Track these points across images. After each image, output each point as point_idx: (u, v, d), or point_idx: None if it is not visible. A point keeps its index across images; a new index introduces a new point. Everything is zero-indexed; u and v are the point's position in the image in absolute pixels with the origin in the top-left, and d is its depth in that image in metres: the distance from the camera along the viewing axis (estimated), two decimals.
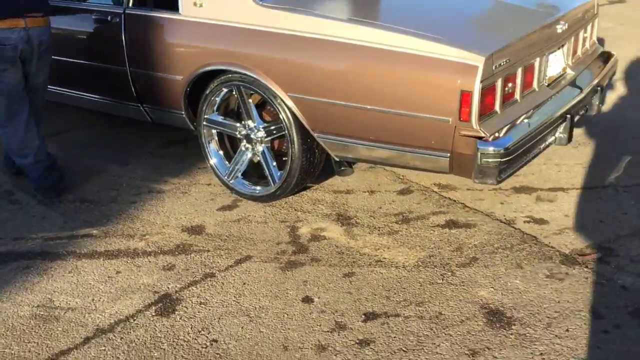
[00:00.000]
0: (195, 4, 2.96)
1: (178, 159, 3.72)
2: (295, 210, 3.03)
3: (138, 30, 3.17)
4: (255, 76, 2.79)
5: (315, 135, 2.78)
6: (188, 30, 3.00)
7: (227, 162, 3.21)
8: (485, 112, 2.35)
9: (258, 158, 3.07)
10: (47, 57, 3.20)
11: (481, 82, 2.25)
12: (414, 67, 2.38)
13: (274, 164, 3.03)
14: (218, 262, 2.60)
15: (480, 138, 2.30)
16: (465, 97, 2.26)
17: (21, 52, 3.03)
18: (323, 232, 2.81)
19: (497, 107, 2.41)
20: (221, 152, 3.22)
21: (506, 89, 2.45)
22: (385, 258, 2.55)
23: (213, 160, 3.20)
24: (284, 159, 2.95)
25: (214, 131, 3.19)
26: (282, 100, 2.78)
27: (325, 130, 2.74)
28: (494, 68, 2.30)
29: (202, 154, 3.62)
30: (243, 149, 3.10)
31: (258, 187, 3.08)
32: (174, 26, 3.05)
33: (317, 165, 3.01)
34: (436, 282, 2.36)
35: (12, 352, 2.10)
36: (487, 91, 2.32)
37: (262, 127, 3.00)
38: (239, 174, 3.16)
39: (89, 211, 3.12)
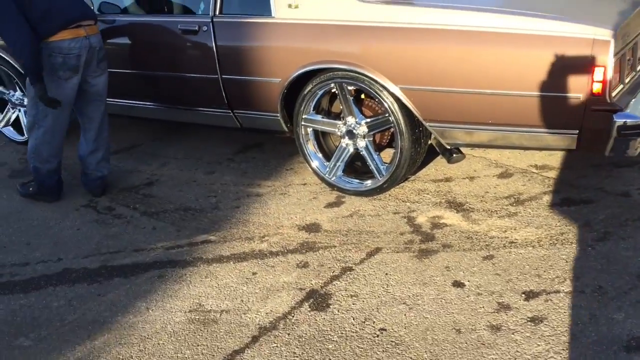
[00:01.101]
0: (290, 6, 3.00)
1: (261, 163, 3.75)
2: (403, 201, 3.07)
3: (228, 36, 3.20)
4: (362, 71, 2.83)
5: (427, 124, 2.82)
6: (284, 33, 3.03)
7: (325, 161, 3.25)
8: (615, 85, 2.39)
9: (362, 152, 3.10)
10: (105, 64, 3.32)
11: (614, 55, 2.29)
12: (539, 47, 2.42)
13: (378, 157, 3.07)
14: (350, 256, 2.63)
15: (614, 111, 2.34)
16: (598, 71, 2.30)
17: (85, 61, 3.17)
18: (441, 219, 2.84)
19: (623, 80, 2.45)
20: (320, 154, 3.25)
21: (627, 62, 2.49)
22: (516, 239, 2.59)
23: (315, 163, 3.23)
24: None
25: (310, 130, 3.22)
26: (390, 92, 2.81)
27: (439, 119, 2.78)
28: (623, 41, 2.34)
29: (282, 156, 3.70)
30: (344, 145, 3.14)
31: (364, 182, 3.11)
32: (267, 29, 3.08)
33: (421, 155, 3.06)
34: (581, 257, 2.40)
35: (185, 356, 2.13)
36: (616, 65, 2.36)
37: (365, 122, 3.03)
38: (340, 171, 3.19)
39: (197, 219, 3.15)
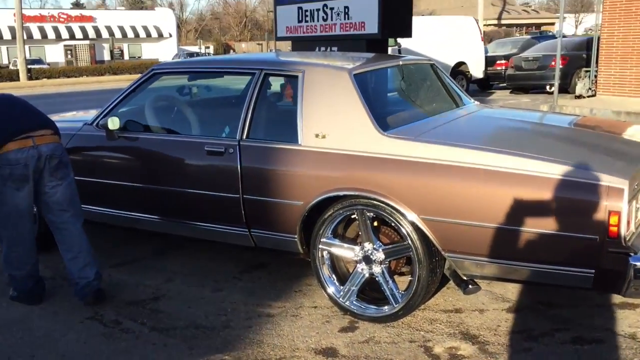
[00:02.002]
0: (317, 136, 3.20)
1: (268, 284, 3.78)
2: (416, 330, 3.10)
3: (254, 159, 3.36)
4: (384, 200, 2.98)
5: (446, 255, 2.93)
6: (310, 160, 3.21)
7: (338, 284, 3.30)
8: (628, 229, 2.57)
9: (378, 278, 3.17)
10: (62, 173, 3.37)
11: (628, 202, 2.49)
12: (557, 190, 2.62)
13: (394, 283, 3.14)
14: None
15: (630, 254, 2.49)
16: (613, 216, 2.48)
17: (33, 170, 3.25)
18: (458, 351, 2.87)
19: (632, 226, 2.64)
20: (334, 276, 3.31)
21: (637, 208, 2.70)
22: None
23: (330, 289, 3.28)
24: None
25: (325, 254, 3.30)
26: (410, 222, 2.95)
27: (458, 250, 2.90)
28: (633, 189, 2.56)
29: (289, 277, 3.75)
30: (359, 270, 3.21)
31: (379, 308, 3.16)
32: (293, 156, 3.25)
33: (436, 284, 3.14)
34: None
35: None
36: (629, 210, 2.55)
37: (382, 249, 3.14)
38: (354, 296, 3.24)
39: (209, 337, 3.11)
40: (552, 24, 55.18)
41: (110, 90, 22.52)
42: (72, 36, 46.31)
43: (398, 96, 3.77)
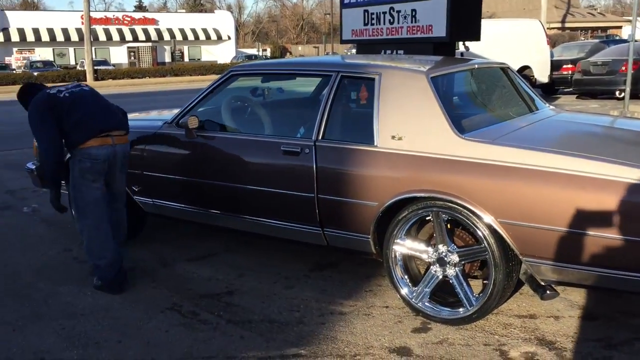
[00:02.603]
0: (393, 137, 3.24)
1: (338, 282, 3.83)
2: (490, 333, 3.09)
3: (330, 160, 3.42)
4: (462, 203, 2.98)
5: (523, 259, 2.92)
6: (386, 161, 3.24)
7: (411, 285, 3.32)
8: None
9: (452, 281, 3.18)
10: (125, 169, 3.81)
11: None
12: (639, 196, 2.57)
13: (468, 286, 3.14)
14: None
15: None
16: None
17: (108, 165, 3.61)
18: (535, 356, 2.85)
19: None
20: (406, 277, 3.33)
21: None
22: None
23: (404, 291, 3.30)
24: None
25: (398, 255, 3.33)
26: (487, 225, 2.95)
27: (537, 255, 2.88)
28: None
29: (359, 277, 3.80)
30: (433, 272, 3.23)
31: (453, 310, 3.16)
32: (369, 157, 3.30)
33: (511, 288, 3.12)
34: None
35: None
36: None
37: (457, 251, 3.14)
38: (427, 297, 3.26)
39: (284, 332, 3.19)
40: (619, 27, 53.31)
41: (171, 91, 23.20)
42: (135, 38, 47.85)
43: (473, 99, 3.77)
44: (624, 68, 12.61)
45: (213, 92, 4.02)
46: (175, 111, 5.19)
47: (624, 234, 2.62)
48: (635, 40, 11.70)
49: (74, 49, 46.06)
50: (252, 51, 57.20)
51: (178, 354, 2.99)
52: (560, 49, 16.73)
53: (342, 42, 7.73)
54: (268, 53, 59.17)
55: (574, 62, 14.61)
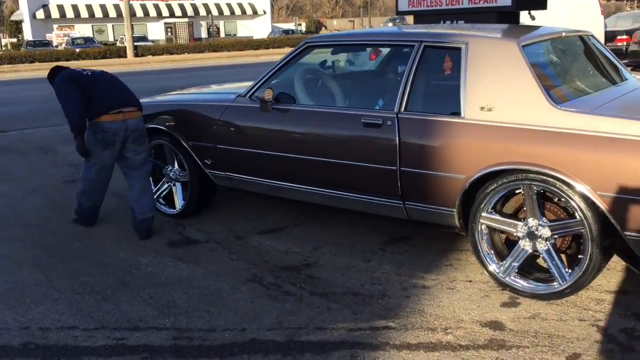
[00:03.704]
0: (483, 108, 3.15)
1: (415, 256, 3.80)
2: (584, 309, 3.03)
3: (413, 132, 3.36)
4: (558, 176, 2.90)
5: (625, 234, 2.83)
6: (474, 133, 3.17)
7: (497, 259, 3.27)
8: None
9: (543, 255, 3.11)
10: (141, 141, 4.20)
11: None
12: None
13: (561, 261, 3.07)
14: (548, 359, 2.58)
15: None
16: None
17: (121, 138, 4.08)
18: (635, 332, 2.78)
19: None
20: (493, 253, 3.28)
21: None
22: None
23: (491, 265, 3.25)
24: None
25: (484, 228, 3.27)
26: (584, 199, 2.86)
27: (638, 229, 2.79)
28: None
29: (435, 251, 3.77)
30: (522, 246, 3.16)
31: (546, 284, 3.10)
32: (456, 128, 3.22)
33: (606, 264, 3.04)
34: None
35: None
36: None
37: (549, 226, 3.07)
38: (515, 271, 3.20)
39: (369, 304, 3.18)
40: None
41: (211, 67, 23.26)
42: (172, 14, 47.95)
43: (563, 69, 3.64)
44: None
45: (287, 64, 3.98)
46: (237, 84, 5.20)
47: None
48: None
49: (112, 25, 46.46)
50: (289, 26, 56.85)
51: (267, 324, 3.01)
52: (614, 19, 16.15)
53: (398, 13, 7.58)
54: (303, 28, 58.76)
55: (628, 32, 14.08)
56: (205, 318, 3.08)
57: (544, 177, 2.97)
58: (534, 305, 3.09)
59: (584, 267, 2.95)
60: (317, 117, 3.75)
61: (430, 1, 6.96)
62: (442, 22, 6.78)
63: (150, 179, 4.43)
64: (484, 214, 3.23)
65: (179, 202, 4.61)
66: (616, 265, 3.44)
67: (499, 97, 3.13)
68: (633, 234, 2.82)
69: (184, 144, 4.36)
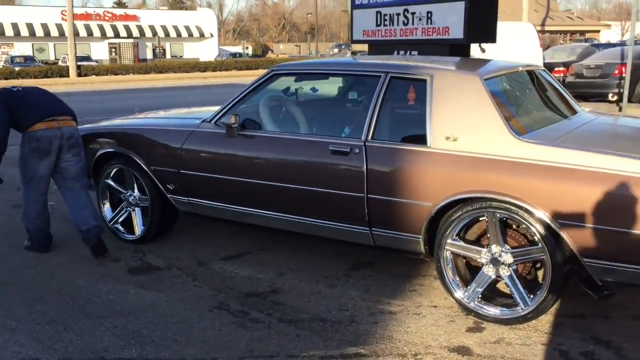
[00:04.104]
0: (448, 139, 3.27)
1: (380, 282, 3.85)
2: (545, 333, 3.15)
3: (381, 160, 3.44)
4: (521, 204, 3.03)
5: (583, 259, 2.97)
6: (440, 161, 3.27)
7: (462, 285, 3.36)
8: None
9: (505, 281, 3.22)
10: (76, 151, 4.25)
11: None
12: None
13: (522, 286, 3.19)
14: None
15: None
16: None
17: (56, 146, 4.12)
18: (595, 355, 2.90)
19: None
20: (458, 279, 3.37)
21: None
22: None
23: (456, 291, 3.33)
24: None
25: (449, 255, 3.36)
26: (545, 226, 2.99)
27: (596, 255, 2.93)
28: None
29: (399, 276, 3.84)
30: (486, 272, 3.27)
31: (509, 309, 3.20)
32: (422, 157, 3.32)
33: (565, 288, 3.17)
34: None
35: None
36: None
37: (512, 252, 3.18)
38: (478, 297, 3.29)
39: (339, 331, 3.20)
40: (597, 31, 54.31)
41: (158, 88, 22.98)
42: (117, 34, 47.28)
43: (521, 101, 3.82)
44: (616, 71, 12.86)
45: (254, 91, 4.01)
46: (198, 109, 5.19)
47: None
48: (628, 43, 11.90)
49: (54, 44, 45.40)
50: (237, 49, 56.94)
51: (238, 352, 2.98)
52: (552, 51, 16.98)
53: (353, 42, 7.73)
54: (250, 51, 58.98)
55: (565, 65, 14.84)
56: (174, 348, 3.02)
57: (507, 205, 3.09)
58: (498, 330, 3.19)
59: (545, 292, 3.07)
60: (285, 143, 3.79)
61: (384, 31, 7.15)
62: (395, 52, 6.98)
63: (89, 193, 4.42)
64: (449, 241, 3.32)
65: (138, 228, 4.52)
66: (573, 290, 3.58)
67: (464, 128, 3.25)
68: (591, 260, 2.95)
69: (146, 168, 4.29)
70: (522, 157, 3.07)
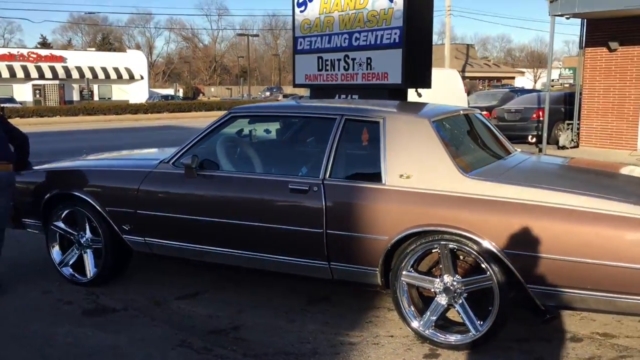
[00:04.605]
0: (401, 176, 3.51)
1: (337, 315, 3.99)
2: (496, 357, 3.37)
3: (339, 197, 3.63)
4: (470, 236, 3.28)
5: (527, 286, 3.23)
6: (395, 198, 3.49)
7: (417, 314, 3.55)
8: None
9: (457, 309, 3.44)
10: (4, 193, 4.35)
11: None
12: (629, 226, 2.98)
13: (473, 313, 3.42)
14: None
15: None
16: None
17: None
18: None
19: None
20: (413, 309, 3.56)
21: None
22: None
23: (412, 320, 3.52)
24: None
25: (404, 286, 3.56)
26: (493, 256, 3.26)
27: (538, 281, 3.20)
28: None
29: (355, 309, 4.00)
30: (439, 300, 3.48)
31: (461, 335, 3.41)
32: (378, 194, 3.54)
33: (511, 314, 3.43)
34: None
35: None
36: None
37: (462, 281, 3.42)
38: (432, 325, 3.50)
39: None
40: (512, 77, 57.64)
41: (86, 130, 22.45)
42: (42, 76, 46.01)
43: (463, 142, 4.12)
44: (534, 115, 13.78)
45: (212, 132, 4.14)
46: (146, 151, 5.24)
47: (615, 260, 3.00)
48: (537, 90, 12.78)
49: None
50: (168, 91, 56.53)
51: None
52: (475, 97, 18.00)
53: (295, 85, 8.01)
54: (181, 94, 58.72)
55: (488, 109, 15.75)
56: None
57: (457, 238, 3.33)
58: (452, 355, 3.38)
59: (494, 317, 3.31)
60: (245, 183, 3.92)
61: (326, 76, 7.47)
62: (337, 96, 7.29)
63: None
64: (404, 272, 3.52)
65: (90, 270, 4.48)
66: (517, 316, 3.84)
67: (416, 167, 3.50)
68: (534, 286, 3.23)
69: (100, 209, 4.30)
70: (469, 192, 3.34)
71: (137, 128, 23.29)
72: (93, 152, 5.65)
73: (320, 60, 7.48)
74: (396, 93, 6.81)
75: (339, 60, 7.31)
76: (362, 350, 3.46)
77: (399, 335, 3.65)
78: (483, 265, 3.32)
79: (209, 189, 3.99)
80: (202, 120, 27.85)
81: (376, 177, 3.58)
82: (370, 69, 6.99)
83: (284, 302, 4.20)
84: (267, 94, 55.33)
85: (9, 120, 4.78)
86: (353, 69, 7.20)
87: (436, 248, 3.44)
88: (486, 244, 3.24)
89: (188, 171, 3.97)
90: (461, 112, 4.19)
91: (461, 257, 3.49)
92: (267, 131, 4.66)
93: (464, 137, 4.17)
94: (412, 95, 7.22)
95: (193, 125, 23.60)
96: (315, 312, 4.05)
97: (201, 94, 65.80)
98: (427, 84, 7.02)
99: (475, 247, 3.29)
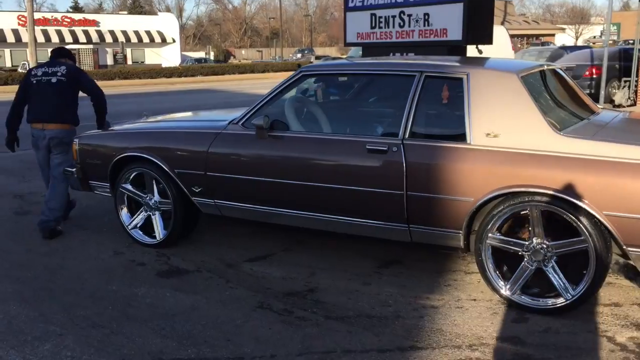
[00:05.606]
0: (488, 135, 3.35)
1: (413, 278, 3.90)
2: (587, 321, 3.24)
3: (420, 157, 3.50)
4: (566, 197, 3.12)
5: (627, 249, 3.08)
6: (481, 158, 3.34)
7: (503, 278, 3.44)
8: None
9: (548, 273, 3.31)
10: (59, 149, 4.87)
11: None
12: None
13: (565, 277, 3.29)
14: None
15: None
16: None
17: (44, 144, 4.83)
18: None
19: None
20: (498, 273, 3.44)
21: None
22: None
23: (497, 283, 3.41)
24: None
25: (489, 249, 3.44)
26: (590, 218, 3.10)
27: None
28: None
29: (430, 272, 3.93)
30: (527, 264, 3.36)
31: (552, 300, 3.29)
32: (463, 154, 3.39)
33: (605, 278, 3.29)
34: None
35: None
36: None
37: (553, 244, 3.28)
38: (520, 289, 3.38)
39: (387, 325, 3.24)
40: (553, 35, 55.91)
41: (123, 94, 22.57)
42: (76, 40, 46.23)
43: (552, 99, 3.93)
44: (587, 73, 13.30)
45: (282, 92, 4.02)
46: (209, 112, 5.16)
47: None
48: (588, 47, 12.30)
49: (10, 50, 44.11)
50: (200, 54, 56.45)
51: (295, 349, 2.99)
52: (521, 54, 17.44)
53: (347, 44, 7.80)
54: (212, 57, 58.56)
55: None
56: (229, 347, 3.01)
57: (550, 199, 3.18)
58: (542, 320, 3.27)
59: (589, 282, 3.18)
60: (320, 143, 3.81)
61: (379, 34, 7.24)
62: (391, 54, 7.08)
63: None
64: (490, 235, 3.39)
65: (160, 232, 4.46)
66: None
67: (504, 125, 3.33)
68: (635, 248, 3.07)
69: (169, 171, 4.25)
70: (564, 151, 3.17)
71: (174, 92, 23.32)
72: (152, 115, 5.59)
73: (373, 17, 7.25)
74: (456, 50, 6.57)
75: (393, 16, 7.07)
76: (447, 314, 3.37)
77: (482, 299, 3.55)
78: (579, 228, 3.17)
79: (281, 150, 3.90)
80: (237, 83, 27.78)
81: (460, 136, 3.43)
82: (428, 25, 6.74)
83: (355, 264, 4.13)
84: (299, 55, 54.74)
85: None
86: (409, 26, 6.96)
87: (526, 210, 3.29)
88: (583, 205, 3.09)
89: (259, 132, 3.87)
90: (545, 67, 3.97)
91: (554, 219, 3.34)
92: (337, 89, 4.52)
93: (551, 94, 3.96)
94: (471, 51, 6.95)
95: (229, 89, 23.56)
96: (390, 275, 3.97)
97: (232, 57, 65.56)
98: (488, 39, 6.74)
99: (570, 208, 3.14)
